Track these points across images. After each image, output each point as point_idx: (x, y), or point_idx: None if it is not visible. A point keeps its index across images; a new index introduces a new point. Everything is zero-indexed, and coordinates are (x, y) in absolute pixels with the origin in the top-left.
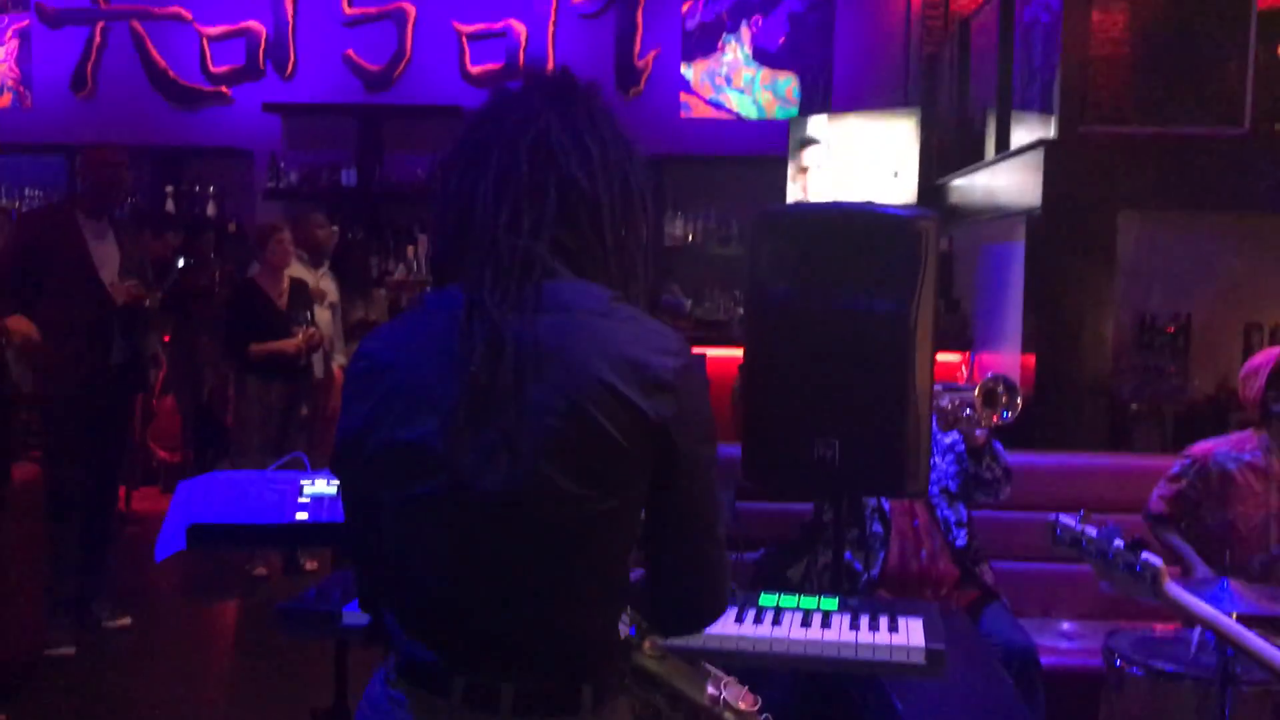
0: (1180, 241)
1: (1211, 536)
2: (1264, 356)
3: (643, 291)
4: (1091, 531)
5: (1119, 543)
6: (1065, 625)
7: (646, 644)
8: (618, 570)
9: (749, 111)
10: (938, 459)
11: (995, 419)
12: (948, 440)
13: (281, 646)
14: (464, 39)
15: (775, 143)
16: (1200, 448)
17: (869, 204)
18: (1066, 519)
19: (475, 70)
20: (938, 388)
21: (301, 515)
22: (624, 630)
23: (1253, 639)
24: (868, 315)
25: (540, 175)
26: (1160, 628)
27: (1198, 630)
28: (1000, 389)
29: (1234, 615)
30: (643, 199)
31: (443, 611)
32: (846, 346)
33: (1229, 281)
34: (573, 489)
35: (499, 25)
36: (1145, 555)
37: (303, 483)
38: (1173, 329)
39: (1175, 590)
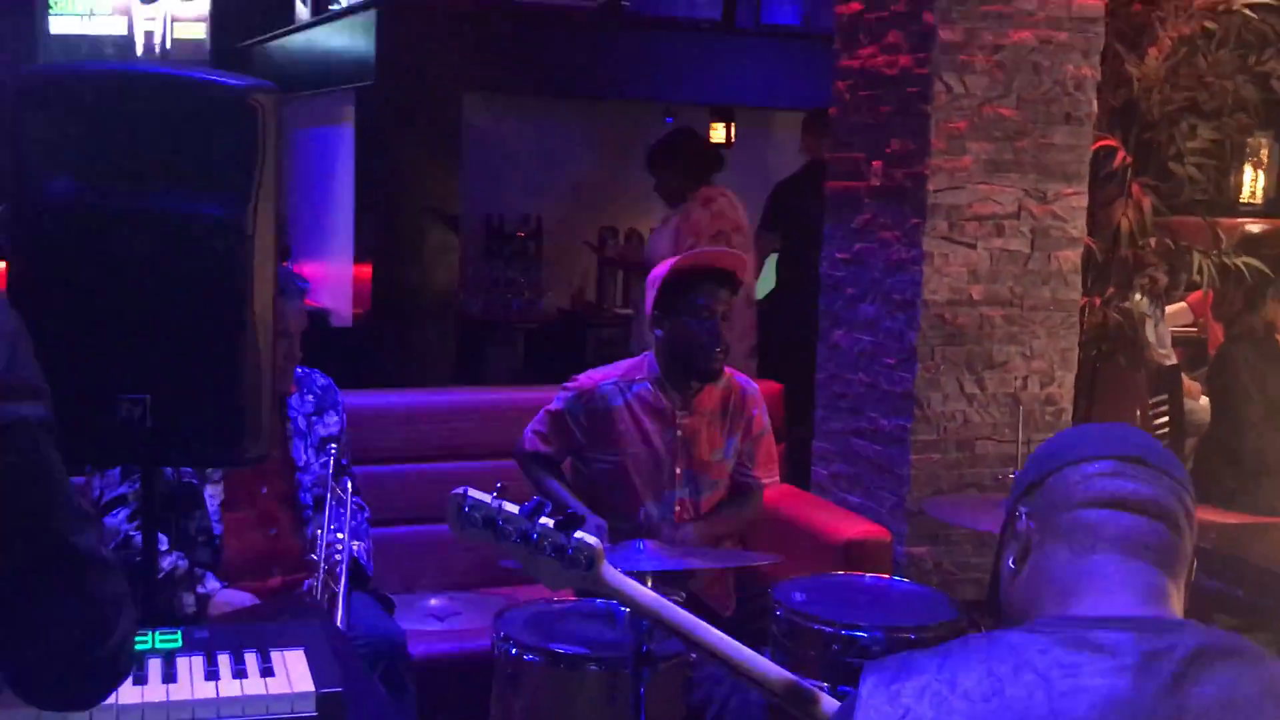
0: (531, 133)
1: (601, 483)
2: (661, 267)
3: None
4: (511, 509)
5: (546, 521)
6: (434, 601)
7: None
8: None
9: None
10: None
11: None
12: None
13: None
14: None
15: None
16: (585, 378)
17: (182, 68)
18: (477, 494)
19: None
20: None
21: None
22: None
23: (699, 625)
24: (187, 220)
25: None
26: (558, 598)
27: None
28: None
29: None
30: None
31: None
32: (157, 265)
33: (582, 180)
34: None
35: None
36: (579, 535)
37: None
38: (524, 234)
39: (614, 576)
